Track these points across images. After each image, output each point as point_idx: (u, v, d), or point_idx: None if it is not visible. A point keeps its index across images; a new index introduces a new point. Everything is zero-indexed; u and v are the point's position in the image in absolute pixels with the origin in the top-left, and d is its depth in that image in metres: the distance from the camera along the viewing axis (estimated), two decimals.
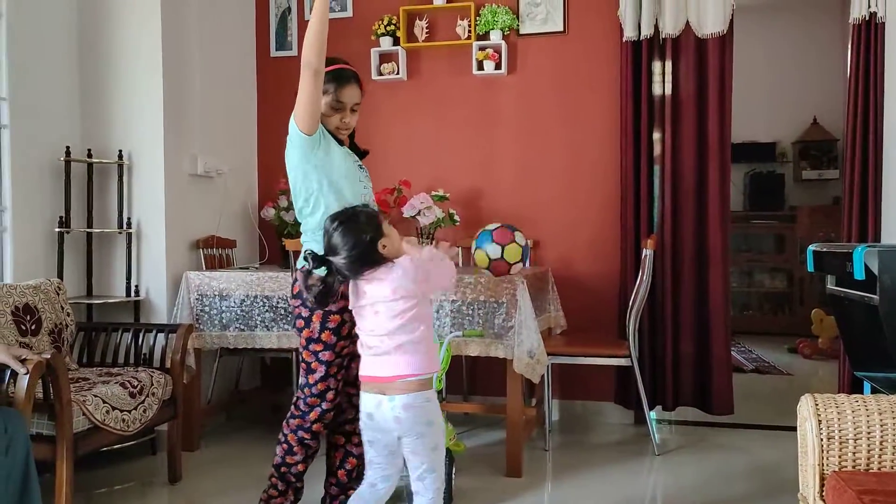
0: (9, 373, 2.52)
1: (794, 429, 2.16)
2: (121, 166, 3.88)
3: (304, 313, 2.61)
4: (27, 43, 3.62)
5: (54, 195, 3.76)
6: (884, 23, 3.88)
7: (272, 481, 2.75)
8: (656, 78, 4.23)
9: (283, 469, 2.73)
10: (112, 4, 3.92)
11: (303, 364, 2.67)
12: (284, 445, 2.73)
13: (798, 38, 7.59)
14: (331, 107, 2.71)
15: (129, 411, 2.99)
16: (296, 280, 2.57)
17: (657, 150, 4.23)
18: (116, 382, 3.02)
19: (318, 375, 2.63)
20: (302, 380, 2.68)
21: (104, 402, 2.86)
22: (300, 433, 2.70)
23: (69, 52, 3.90)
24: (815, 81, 7.53)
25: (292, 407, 2.73)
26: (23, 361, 2.52)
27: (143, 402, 3.08)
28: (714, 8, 4.10)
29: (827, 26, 7.28)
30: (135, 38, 3.90)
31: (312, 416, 2.68)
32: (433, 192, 4.26)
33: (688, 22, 4.16)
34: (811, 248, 3.10)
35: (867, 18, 3.91)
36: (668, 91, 4.20)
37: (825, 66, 7.33)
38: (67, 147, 3.76)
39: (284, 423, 2.74)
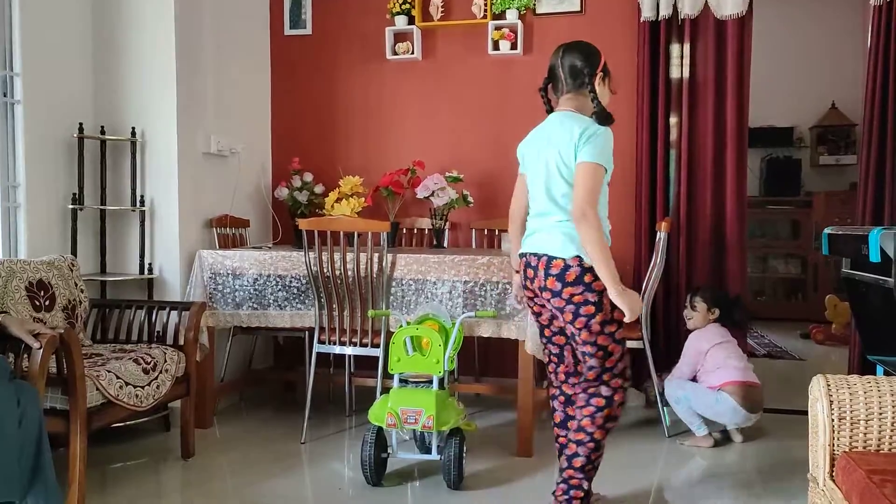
0: (22, 347, 2.54)
1: (804, 412, 2.15)
2: (134, 144, 3.89)
3: (593, 297, 2.47)
4: (41, 19, 3.62)
5: (68, 172, 3.77)
6: None
7: (581, 485, 2.56)
8: (674, 61, 4.19)
9: (588, 468, 2.56)
10: None
11: (594, 351, 2.53)
12: (591, 444, 2.54)
13: (818, 22, 7.50)
14: (610, 91, 2.75)
15: (143, 387, 3.01)
16: (568, 267, 2.48)
17: (674, 134, 4.20)
18: (130, 359, 3.04)
19: (616, 356, 2.54)
20: (595, 369, 2.55)
21: (118, 377, 2.89)
22: (608, 424, 2.56)
23: (82, 28, 3.91)
24: (835, 66, 7.44)
25: (589, 406, 2.56)
26: (36, 336, 2.54)
27: (156, 378, 3.10)
28: None
29: (847, 10, 7.18)
30: (148, 15, 3.90)
31: (618, 398, 2.57)
32: (447, 174, 4.25)
33: (707, 2, 4.11)
34: (826, 230, 3.07)
35: (889, 0, 3.85)
36: (686, 74, 4.16)
37: (845, 50, 7.25)
38: (80, 124, 3.77)
39: (587, 421, 2.55)
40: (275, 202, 4.71)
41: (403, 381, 3.17)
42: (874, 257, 2.51)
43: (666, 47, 4.18)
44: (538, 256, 2.56)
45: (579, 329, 2.52)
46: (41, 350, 2.51)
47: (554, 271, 2.50)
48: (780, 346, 6.07)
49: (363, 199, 4.07)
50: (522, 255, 2.67)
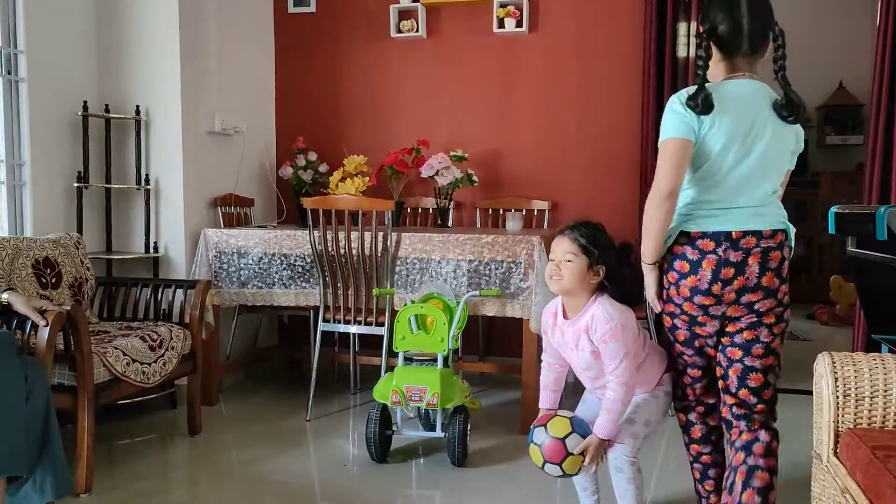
0: (29, 324, 2.55)
1: (808, 392, 2.09)
2: (138, 122, 3.89)
3: (784, 304, 2.14)
4: None
5: (73, 150, 3.77)
6: None
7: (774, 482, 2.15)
8: (681, 39, 4.16)
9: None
10: None
11: (774, 366, 2.18)
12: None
13: (825, 1, 7.42)
14: None
15: (150, 364, 3.03)
16: (777, 264, 2.09)
17: None
18: (136, 336, 3.05)
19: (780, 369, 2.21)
20: (770, 382, 2.18)
21: (124, 354, 2.90)
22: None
23: (86, 6, 3.89)
24: (843, 45, 7.36)
25: (768, 420, 2.21)
26: (43, 313, 2.55)
27: (162, 355, 3.12)
28: None
29: None
30: None
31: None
32: (451, 153, 4.24)
33: None
34: (833, 209, 3.06)
35: None
36: (692, 53, 4.13)
37: (853, 29, 7.16)
38: (85, 102, 3.76)
39: (772, 442, 2.17)
40: (279, 181, 4.71)
41: (408, 360, 3.18)
42: (881, 235, 2.50)
43: (673, 25, 4.14)
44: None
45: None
46: (48, 327, 2.52)
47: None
48: None
49: (367, 178, 4.06)
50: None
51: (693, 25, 4.13)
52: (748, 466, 2.10)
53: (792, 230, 2.14)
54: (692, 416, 2.34)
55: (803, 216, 7.56)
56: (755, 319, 2.11)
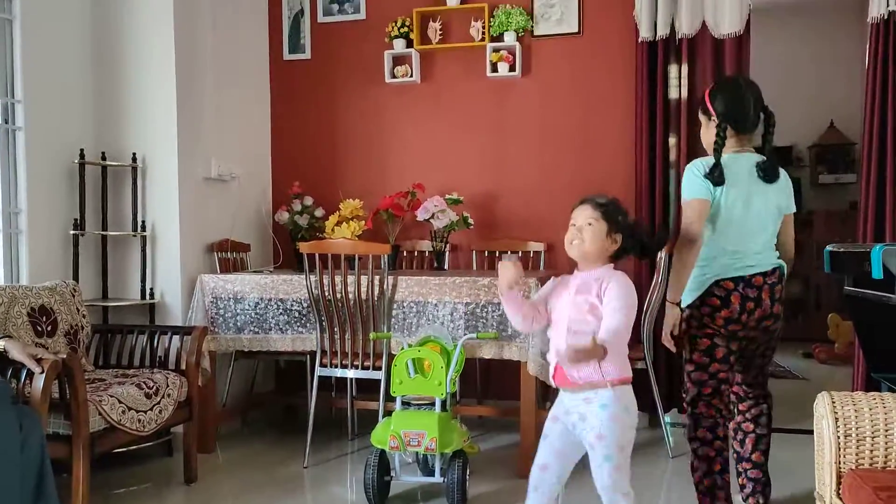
0: (25, 372, 2.54)
1: (809, 432, 2.14)
2: (135, 169, 3.91)
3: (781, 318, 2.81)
4: (42, 45, 3.65)
5: (69, 197, 3.79)
6: None
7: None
8: (672, 81, 4.22)
9: None
10: (125, 7, 3.95)
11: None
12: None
13: (815, 41, 7.53)
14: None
15: (145, 412, 3.00)
16: (780, 295, 2.73)
17: (672, 154, 4.22)
18: (132, 383, 3.03)
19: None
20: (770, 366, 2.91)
21: (120, 402, 2.88)
22: None
23: (83, 54, 3.94)
24: (833, 84, 7.46)
25: (767, 390, 2.90)
26: (38, 361, 2.53)
27: (158, 402, 3.09)
28: (731, 8, 4.08)
29: (844, 29, 7.21)
30: (148, 40, 3.93)
31: None
32: (447, 196, 4.26)
33: (704, 22, 4.15)
34: (828, 248, 3.08)
35: (886, 17, 3.87)
36: (685, 95, 4.19)
37: (843, 69, 7.27)
38: (82, 150, 3.79)
39: (770, 410, 2.89)
40: (275, 226, 4.72)
41: (406, 404, 3.16)
42: (876, 274, 2.51)
43: (664, 68, 4.20)
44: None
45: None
46: (43, 375, 2.50)
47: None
48: (783, 366, 6.04)
49: (363, 222, 4.08)
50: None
51: (684, 67, 4.18)
52: (756, 435, 2.83)
53: (785, 266, 2.75)
54: (719, 431, 2.68)
55: (798, 254, 7.55)
56: (768, 337, 2.75)
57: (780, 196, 2.68)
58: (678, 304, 2.65)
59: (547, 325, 2.38)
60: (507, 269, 2.28)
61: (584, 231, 2.29)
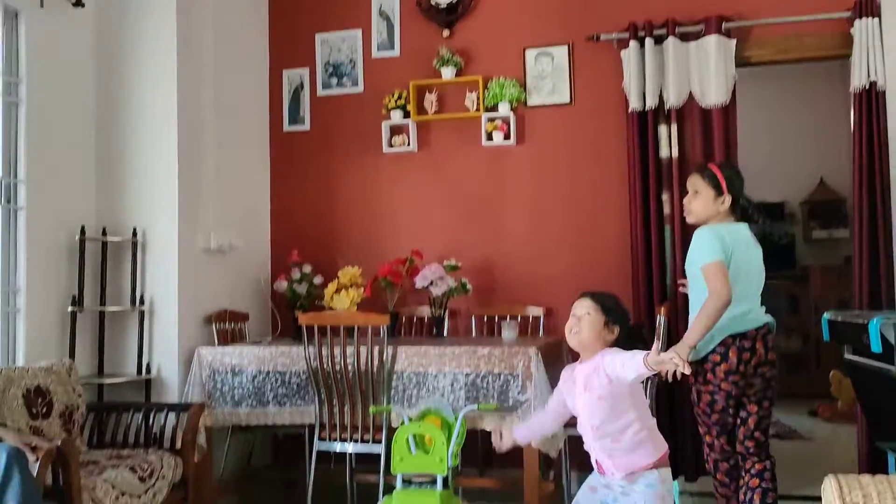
0: None
1: (813, 498, 2.11)
2: (135, 244, 3.92)
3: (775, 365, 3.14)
4: (45, 127, 3.70)
5: (68, 274, 3.78)
6: (884, 91, 3.94)
7: None
8: (663, 142, 4.26)
9: None
10: (127, 83, 4.01)
11: (771, 409, 3.12)
12: None
13: (802, 104, 7.62)
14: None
15: (139, 496, 2.96)
16: (772, 344, 3.04)
17: (666, 209, 4.23)
18: (126, 466, 2.99)
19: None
20: (769, 422, 3.13)
21: (113, 487, 2.84)
22: None
23: (86, 132, 3.98)
24: (821, 143, 7.53)
25: (768, 451, 3.09)
26: (33, 449, 2.50)
27: (152, 486, 3.05)
28: (716, 80, 4.15)
29: (829, 92, 7.31)
30: (150, 117, 3.98)
31: None
32: (445, 262, 4.27)
33: (691, 93, 4.22)
34: (826, 316, 3.08)
35: (867, 87, 3.96)
36: (675, 153, 4.23)
37: (830, 128, 7.35)
38: (83, 226, 3.80)
39: (773, 467, 3.06)
40: (274, 294, 4.71)
41: (407, 481, 3.11)
42: (875, 348, 2.51)
43: (654, 130, 4.25)
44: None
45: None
46: (38, 463, 2.47)
47: None
48: (787, 426, 5.98)
49: (362, 289, 4.08)
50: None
51: (674, 128, 4.23)
52: (763, 489, 2.98)
53: (773, 321, 3.08)
54: (722, 466, 3.12)
55: (796, 310, 7.57)
56: (764, 384, 3.01)
57: (760, 258, 3.12)
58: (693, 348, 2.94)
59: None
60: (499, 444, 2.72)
61: (583, 321, 2.46)
